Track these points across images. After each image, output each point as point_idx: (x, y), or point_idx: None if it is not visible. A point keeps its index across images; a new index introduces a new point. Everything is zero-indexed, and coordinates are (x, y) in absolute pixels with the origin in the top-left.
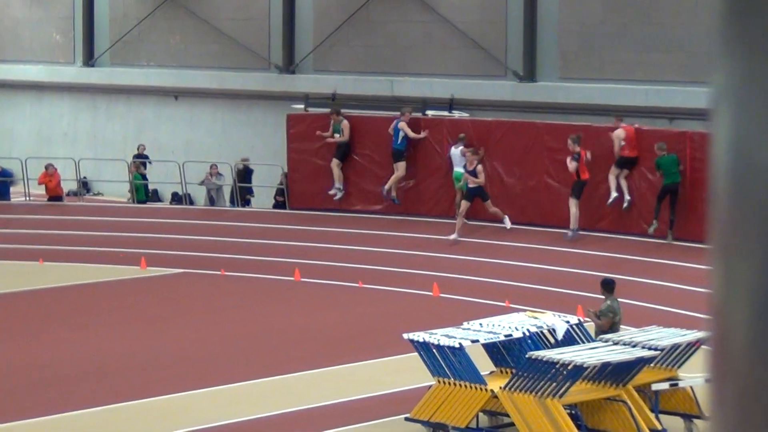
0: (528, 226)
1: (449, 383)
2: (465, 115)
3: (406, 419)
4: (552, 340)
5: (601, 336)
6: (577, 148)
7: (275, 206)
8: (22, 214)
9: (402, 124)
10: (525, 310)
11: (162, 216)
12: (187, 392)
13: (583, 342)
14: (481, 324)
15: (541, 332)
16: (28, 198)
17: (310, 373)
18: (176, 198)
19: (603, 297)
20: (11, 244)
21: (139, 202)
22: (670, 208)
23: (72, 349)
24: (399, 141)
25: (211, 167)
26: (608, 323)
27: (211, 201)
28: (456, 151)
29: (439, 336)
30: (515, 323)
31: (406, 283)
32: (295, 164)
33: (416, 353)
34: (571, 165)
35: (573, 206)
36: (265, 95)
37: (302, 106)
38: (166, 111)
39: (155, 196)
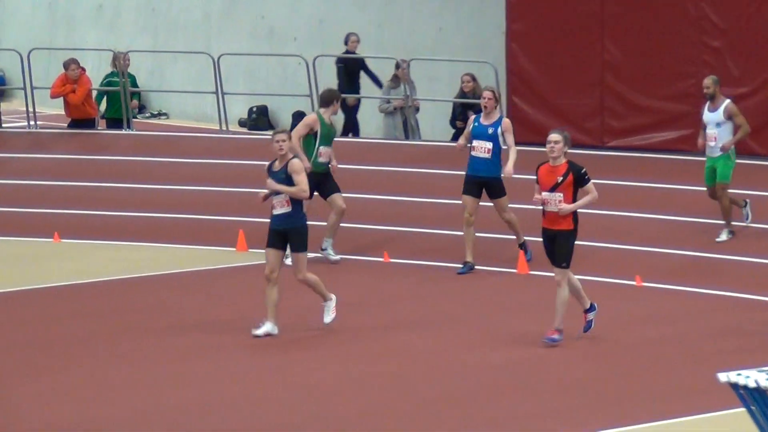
0: None
1: None
2: None
3: None
4: None
5: None
6: None
7: (457, 137)
8: (23, 151)
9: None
10: None
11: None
12: None
13: None
14: None
15: None
16: (32, 123)
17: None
18: (299, 120)
19: None
20: (3, 206)
21: (110, 123)
22: None
23: (123, 401)
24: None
25: (398, 67)
26: None
27: (405, 131)
28: (715, 115)
29: None
30: None
31: (721, 279)
32: (520, 61)
33: (743, 408)
34: None
35: None
36: None
37: None
38: None
39: (261, 117)
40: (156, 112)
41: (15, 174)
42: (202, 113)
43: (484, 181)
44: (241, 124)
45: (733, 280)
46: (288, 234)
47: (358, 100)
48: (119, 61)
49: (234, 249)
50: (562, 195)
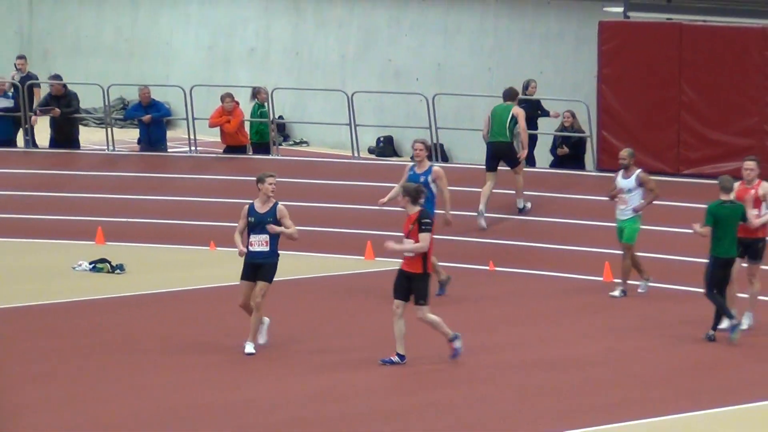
0: None
1: None
2: None
3: None
4: None
5: None
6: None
7: (554, 163)
8: (185, 172)
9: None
10: None
11: (399, 177)
12: None
13: None
14: None
15: None
16: (193, 148)
17: (645, 424)
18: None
19: None
20: (168, 219)
21: (256, 149)
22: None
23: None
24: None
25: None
26: None
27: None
28: (629, 182)
29: None
30: None
31: None
32: (610, 100)
33: None
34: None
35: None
36: None
37: (620, 10)
38: (407, 17)
39: (388, 146)
40: (298, 141)
41: (178, 191)
42: (338, 142)
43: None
44: (371, 151)
45: None
46: (262, 266)
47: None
48: (260, 95)
49: (363, 257)
50: (412, 241)
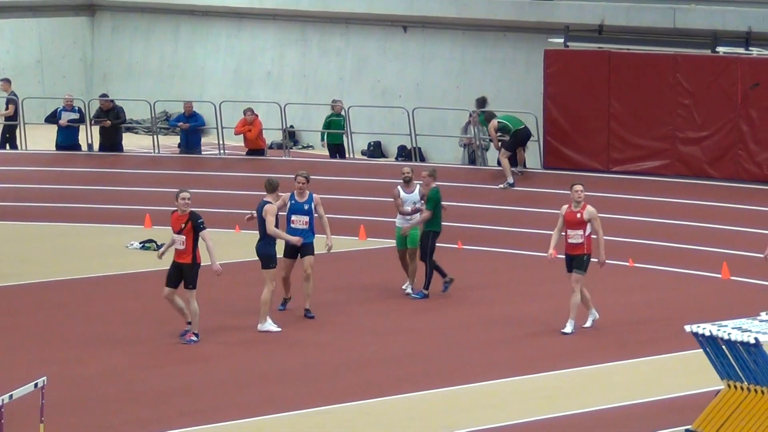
0: None
1: (742, 388)
2: (766, 53)
3: (688, 431)
4: None
5: None
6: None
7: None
8: (215, 170)
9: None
10: None
11: (386, 174)
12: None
13: None
14: None
15: None
16: (222, 151)
17: (569, 372)
18: (403, 153)
19: None
20: (202, 208)
21: (332, 148)
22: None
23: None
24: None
25: (471, 115)
26: None
27: (471, 159)
28: (413, 196)
29: (729, 329)
30: None
31: (688, 263)
32: (553, 112)
33: (701, 350)
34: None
35: None
36: (516, 26)
37: (561, 41)
38: (392, 46)
39: (377, 149)
40: (305, 145)
41: (210, 185)
42: None
43: (302, 246)
44: (363, 153)
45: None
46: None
47: None
48: (336, 107)
49: (357, 238)
50: (184, 238)
